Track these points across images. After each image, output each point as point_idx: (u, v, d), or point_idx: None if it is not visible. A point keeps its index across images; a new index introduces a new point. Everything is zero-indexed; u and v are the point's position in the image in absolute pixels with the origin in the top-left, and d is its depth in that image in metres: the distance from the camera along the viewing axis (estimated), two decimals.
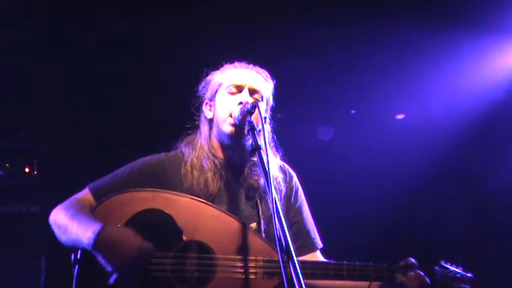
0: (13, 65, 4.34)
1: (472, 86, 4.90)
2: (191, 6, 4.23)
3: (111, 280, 2.20)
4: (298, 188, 2.76)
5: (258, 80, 2.65)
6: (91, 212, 2.37)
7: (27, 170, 4.40)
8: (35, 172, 4.41)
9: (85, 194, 2.52)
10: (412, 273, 2.45)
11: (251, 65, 2.71)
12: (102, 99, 4.73)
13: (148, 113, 4.79)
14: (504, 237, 4.82)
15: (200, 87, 2.74)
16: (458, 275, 2.46)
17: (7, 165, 4.40)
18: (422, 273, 2.46)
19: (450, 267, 2.49)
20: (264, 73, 2.71)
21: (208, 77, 2.73)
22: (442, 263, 2.52)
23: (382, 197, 5.05)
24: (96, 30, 4.34)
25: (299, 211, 2.72)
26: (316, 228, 2.76)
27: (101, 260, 2.21)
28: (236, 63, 2.71)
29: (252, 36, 4.40)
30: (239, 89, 2.58)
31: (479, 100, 4.90)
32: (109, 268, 2.20)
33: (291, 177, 2.74)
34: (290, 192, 2.70)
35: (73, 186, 2.59)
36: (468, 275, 2.48)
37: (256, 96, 2.58)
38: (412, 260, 2.48)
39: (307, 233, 2.70)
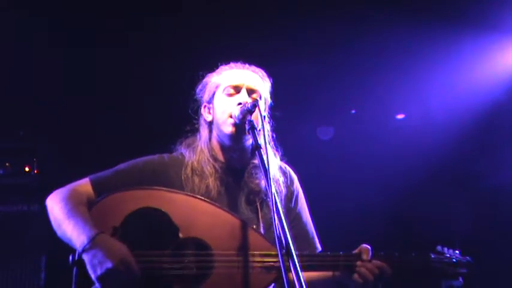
0: (13, 65, 4.34)
1: (472, 86, 4.89)
2: (191, 6, 4.23)
3: None
4: (298, 192, 2.73)
5: (255, 80, 2.62)
6: (88, 209, 2.35)
7: (27, 169, 4.40)
8: (35, 172, 4.41)
9: (85, 184, 2.48)
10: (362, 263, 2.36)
11: (247, 65, 2.67)
12: (102, 99, 4.73)
13: (149, 113, 4.79)
14: (504, 237, 4.81)
15: (197, 91, 2.71)
16: (454, 260, 2.42)
17: (7, 164, 4.40)
18: (379, 262, 2.38)
19: (446, 252, 2.44)
20: (260, 72, 2.67)
21: (205, 80, 2.69)
22: (438, 248, 2.46)
23: (382, 197, 5.05)
24: (96, 31, 4.35)
25: (299, 215, 2.70)
26: (316, 231, 2.73)
27: (87, 264, 2.17)
28: (232, 64, 2.67)
29: (252, 36, 4.39)
30: (237, 89, 2.55)
31: (479, 100, 4.90)
32: (93, 275, 2.16)
33: (292, 181, 2.71)
34: (290, 196, 2.68)
35: None
36: (464, 258, 2.43)
37: (254, 95, 2.55)
38: (365, 247, 2.41)
39: (306, 236, 2.69)
